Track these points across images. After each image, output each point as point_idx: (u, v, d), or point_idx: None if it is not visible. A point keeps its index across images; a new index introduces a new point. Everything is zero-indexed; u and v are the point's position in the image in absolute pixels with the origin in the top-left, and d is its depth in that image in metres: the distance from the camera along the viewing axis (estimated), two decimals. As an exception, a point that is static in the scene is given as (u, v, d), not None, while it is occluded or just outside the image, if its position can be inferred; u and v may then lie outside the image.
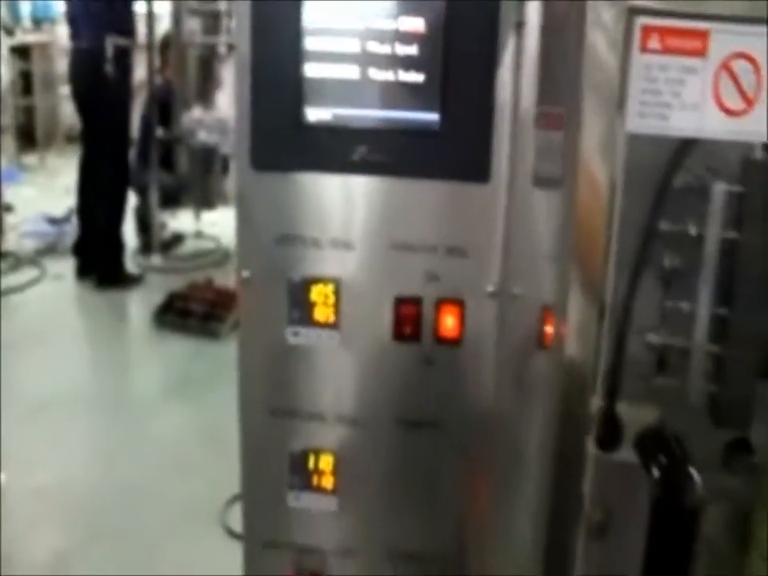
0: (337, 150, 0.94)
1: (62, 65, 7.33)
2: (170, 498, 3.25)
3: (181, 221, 6.22)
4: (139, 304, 5.39)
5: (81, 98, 5.52)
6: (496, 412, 0.95)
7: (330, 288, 0.96)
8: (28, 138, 8.74)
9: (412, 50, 0.91)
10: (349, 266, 0.96)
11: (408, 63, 0.91)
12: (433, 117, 0.92)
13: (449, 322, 0.94)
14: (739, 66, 0.83)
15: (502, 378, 0.95)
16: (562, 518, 0.92)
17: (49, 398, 3.96)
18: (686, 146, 0.89)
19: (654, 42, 0.83)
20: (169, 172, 5.97)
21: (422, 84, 0.92)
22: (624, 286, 0.94)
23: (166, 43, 6.03)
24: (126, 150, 5.58)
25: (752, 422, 0.93)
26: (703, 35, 0.83)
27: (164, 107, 5.94)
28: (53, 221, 6.53)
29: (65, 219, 6.32)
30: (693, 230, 0.91)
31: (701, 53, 0.83)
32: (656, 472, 0.81)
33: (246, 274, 0.99)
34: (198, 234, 6.19)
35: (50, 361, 4.40)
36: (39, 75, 8.59)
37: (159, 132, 5.85)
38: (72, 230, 5.93)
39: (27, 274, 5.71)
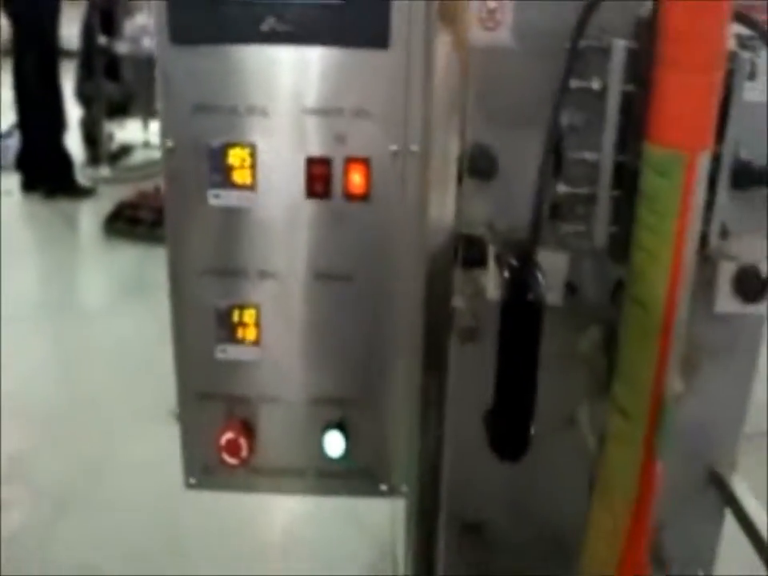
0: (248, 22, 1.00)
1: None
2: (124, 397, 3.34)
3: (128, 131, 6.17)
4: (89, 215, 5.38)
5: (4, 4, 5.45)
6: (399, 262, 1.05)
7: (246, 152, 1.03)
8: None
9: (315, -77, 0.97)
10: (264, 131, 1.03)
11: (312, -64, 0.97)
12: (336, -12, 0.98)
13: (356, 180, 1.02)
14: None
15: (405, 231, 1.04)
16: (438, 328, 1.02)
17: (3, 308, 3.99)
18: (588, 10, 0.96)
19: None
20: (114, 82, 5.89)
21: None
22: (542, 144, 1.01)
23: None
24: (53, 56, 5.47)
25: None
26: None
27: (106, 15, 5.82)
28: (-5, 136, 6.42)
29: (7, 134, 6.20)
30: (595, 85, 1.00)
31: None
32: (507, 273, 0.92)
33: (169, 143, 1.05)
34: (146, 144, 6.15)
35: (3, 273, 4.41)
36: (-25, -15, 8.30)
37: (102, 41, 5.75)
38: (15, 144, 5.85)
39: (-27, 189, 5.66)
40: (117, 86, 5.90)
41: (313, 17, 0.99)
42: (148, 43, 5.65)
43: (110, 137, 6.07)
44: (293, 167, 1.03)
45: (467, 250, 1.03)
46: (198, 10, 1.01)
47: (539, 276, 0.89)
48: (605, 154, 1.01)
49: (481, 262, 1.03)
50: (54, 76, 5.51)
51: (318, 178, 1.03)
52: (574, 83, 0.99)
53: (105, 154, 5.98)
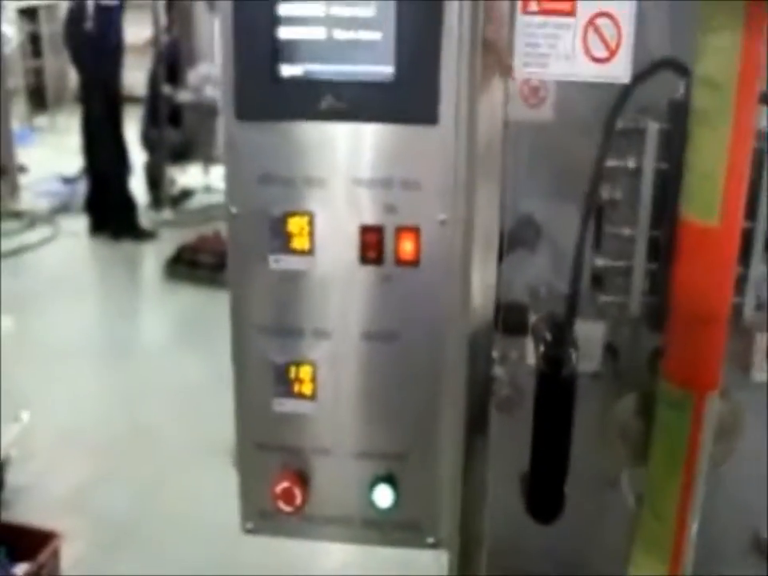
0: (307, 101, 1.08)
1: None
2: (182, 437, 3.44)
3: (189, 176, 6.37)
4: (151, 257, 5.57)
5: (71, 55, 5.74)
6: (447, 324, 1.11)
7: (305, 220, 1.11)
8: (38, 99, 8.86)
9: (370, 11, 1.05)
10: (321, 201, 1.11)
11: (366, 24, 1.05)
12: (388, 69, 1.06)
13: (407, 247, 1.09)
14: (602, 22, 0.99)
15: (451, 295, 1.10)
16: (479, 390, 1.07)
17: (68, 346, 4.15)
18: (624, 94, 1.02)
19: (533, 6, 0.99)
20: (176, 128, 6.10)
21: (379, 41, 1.06)
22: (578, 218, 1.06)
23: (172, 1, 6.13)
24: (116, 104, 5.72)
25: None
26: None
27: (172, 65, 6.05)
28: (65, 180, 6.67)
29: (77, 178, 6.45)
30: (631, 164, 1.05)
31: (570, 13, 0.99)
32: (541, 348, 0.97)
33: (233, 210, 1.13)
34: (207, 189, 6.33)
35: (69, 312, 4.58)
36: (47, 37, 8.67)
37: (167, 89, 5.97)
38: (84, 188, 6.08)
39: (43, 231, 5.88)
40: (178, 133, 6.11)
41: (367, 95, 1.07)
42: (210, 92, 5.85)
43: (172, 181, 6.27)
44: (347, 234, 1.11)
45: (508, 317, 1.07)
46: (262, 90, 1.10)
47: (572, 352, 0.94)
48: (640, 230, 1.06)
49: (522, 329, 1.08)
50: (119, 122, 5.74)
51: (371, 245, 1.10)
52: (612, 162, 1.04)
53: (167, 197, 6.18)
